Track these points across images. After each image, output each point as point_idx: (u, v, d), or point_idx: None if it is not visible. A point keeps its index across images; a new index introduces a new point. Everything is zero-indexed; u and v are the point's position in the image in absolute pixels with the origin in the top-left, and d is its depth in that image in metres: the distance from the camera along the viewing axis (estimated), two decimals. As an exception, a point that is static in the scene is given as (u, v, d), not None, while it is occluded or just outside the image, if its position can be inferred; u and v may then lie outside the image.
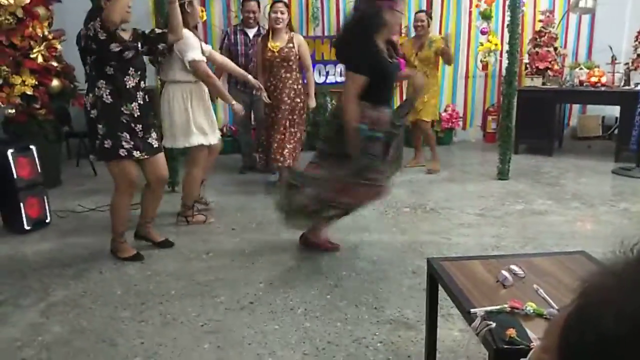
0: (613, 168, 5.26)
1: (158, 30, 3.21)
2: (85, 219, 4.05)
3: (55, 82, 4.77)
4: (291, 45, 4.40)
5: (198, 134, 3.62)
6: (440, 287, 1.78)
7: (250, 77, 4.04)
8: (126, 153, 2.98)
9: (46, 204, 3.89)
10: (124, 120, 2.97)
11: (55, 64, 4.78)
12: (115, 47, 2.88)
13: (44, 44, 4.71)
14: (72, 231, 3.78)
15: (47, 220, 3.89)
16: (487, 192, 4.57)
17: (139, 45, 3.06)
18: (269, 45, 4.35)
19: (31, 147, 3.86)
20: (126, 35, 3.00)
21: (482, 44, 5.10)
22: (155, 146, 3.14)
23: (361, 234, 3.59)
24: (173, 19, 3.12)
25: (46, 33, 4.77)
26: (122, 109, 2.97)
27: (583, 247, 3.18)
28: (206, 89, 3.71)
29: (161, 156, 3.23)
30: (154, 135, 3.15)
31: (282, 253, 3.30)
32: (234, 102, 3.83)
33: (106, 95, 2.94)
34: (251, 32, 5.14)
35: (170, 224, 3.82)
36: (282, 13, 4.32)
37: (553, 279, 1.67)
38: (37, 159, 3.86)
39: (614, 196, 4.31)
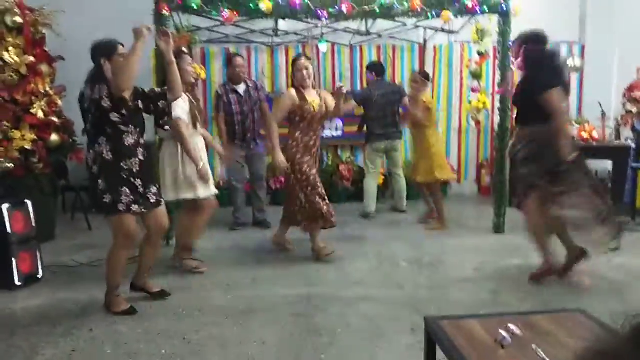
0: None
1: (158, 90, 3.29)
2: (77, 273, 3.99)
3: (54, 137, 4.84)
4: (321, 99, 4.28)
5: (186, 188, 3.71)
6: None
7: (217, 146, 4.43)
8: (125, 208, 3.01)
9: (39, 258, 3.85)
10: (124, 176, 3.03)
11: (55, 119, 4.86)
12: (114, 117, 2.99)
13: (45, 99, 4.81)
14: (64, 286, 3.71)
15: (38, 276, 3.83)
16: (483, 246, 4.55)
17: (139, 103, 3.13)
18: (309, 102, 4.14)
19: (26, 201, 3.85)
20: (127, 94, 3.07)
21: (470, 103, 5.24)
22: (152, 201, 3.17)
23: (356, 289, 3.55)
24: (172, 78, 3.19)
25: (48, 89, 4.88)
26: (122, 164, 3.02)
27: (581, 304, 3.15)
28: (200, 145, 3.80)
29: (161, 208, 3.27)
30: (153, 189, 3.19)
31: (277, 310, 3.24)
32: (201, 164, 3.73)
33: (106, 152, 3.01)
34: (241, 89, 5.22)
35: (162, 276, 3.75)
36: (307, 69, 4.18)
37: (552, 339, 1.64)
38: (32, 214, 3.85)
39: (609, 251, 4.28)
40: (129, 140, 3.06)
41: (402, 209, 5.99)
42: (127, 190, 3.02)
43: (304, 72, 4.14)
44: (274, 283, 3.71)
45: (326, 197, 4.20)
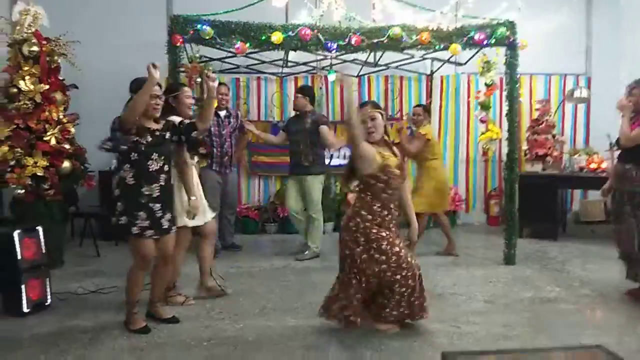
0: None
1: (187, 121, 3.47)
2: (85, 301, 3.97)
3: (66, 164, 4.88)
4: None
5: (181, 215, 3.65)
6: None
7: None
8: (138, 231, 3.16)
9: (48, 285, 3.83)
10: (142, 201, 3.18)
11: (67, 146, 4.91)
12: (139, 145, 3.15)
13: (58, 127, 4.87)
14: (71, 314, 3.68)
15: (47, 303, 3.81)
16: (494, 278, 4.51)
17: (167, 134, 3.30)
18: (386, 158, 3.17)
19: (37, 228, 3.86)
20: (157, 126, 3.27)
21: (483, 133, 5.25)
22: (165, 227, 3.30)
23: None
24: (209, 111, 3.42)
25: (61, 117, 4.95)
26: (143, 190, 3.18)
27: (596, 337, 3.12)
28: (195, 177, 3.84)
29: (171, 235, 3.38)
30: (168, 216, 3.32)
31: (287, 341, 3.20)
32: (193, 197, 3.64)
33: (129, 177, 3.18)
34: (222, 113, 5.36)
35: (170, 305, 3.73)
36: (373, 119, 3.19)
37: (573, 376, 1.61)
38: (42, 240, 3.85)
39: (622, 283, 4.23)
40: (153, 166, 3.20)
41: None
42: (144, 214, 3.17)
43: (369, 122, 3.18)
44: (284, 313, 3.67)
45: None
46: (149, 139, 3.19)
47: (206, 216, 3.90)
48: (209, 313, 3.70)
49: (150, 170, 3.20)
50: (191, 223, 3.74)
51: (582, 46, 7.25)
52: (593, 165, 5.91)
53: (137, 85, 3.22)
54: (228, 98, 5.51)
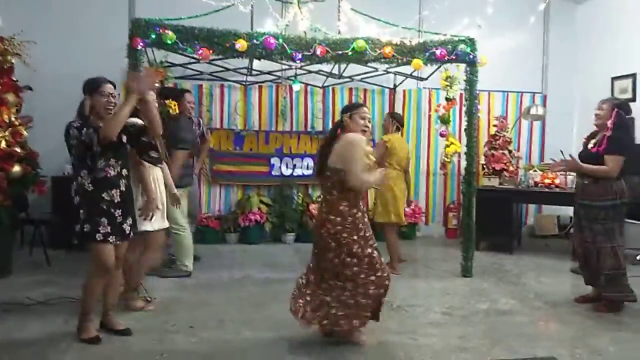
0: (571, 267, 5.38)
1: (139, 124, 3.33)
2: (33, 312, 3.78)
3: (16, 168, 4.67)
4: None
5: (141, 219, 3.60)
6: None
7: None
8: (102, 237, 3.09)
9: (-9, 296, 3.64)
10: (104, 207, 3.11)
11: (18, 149, 4.70)
12: (96, 151, 3.06)
13: (10, 129, 4.67)
14: (18, 327, 3.50)
15: (-10, 314, 3.62)
16: (452, 290, 4.57)
17: (122, 137, 3.17)
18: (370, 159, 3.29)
19: (-17, 234, 3.68)
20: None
21: (447, 146, 5.34)
22: (126, 232, 3.25)
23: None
24: (150, 116, 3.25)
25: (13, 119, 4.74)
26: (103, 195, 3.11)
27: (550, 349, 3.20)
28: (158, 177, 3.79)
29: (126, 242, 3.32)
30: (129, 221, 3.26)
31: (244, 355, 3.13)
32: (153, 195, 3.62)
33: (87, 183, 3.10)
34: None
35: (122, 317, 3.59)
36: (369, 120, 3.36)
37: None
38: (-13, 248, 3.67)
39: (574, 295, 4.37)
40: (111, 172, 3.13)
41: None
42: (106, 220, 3.10)
43: (366, 122, 3.31)
44: (241, 325, 3.60)
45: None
46: (106, 144, 3.07)
47: (163, 222, 3.81)
48: (163, 325, 3.58)
49: (109, 176, 3.12)
50: (150, 227, 3.67)
51: (539, 64, 7.52)
52: (547, 181, 6.10)
53: (90, 87, 3.14)
54: (194, 106, 5.37)
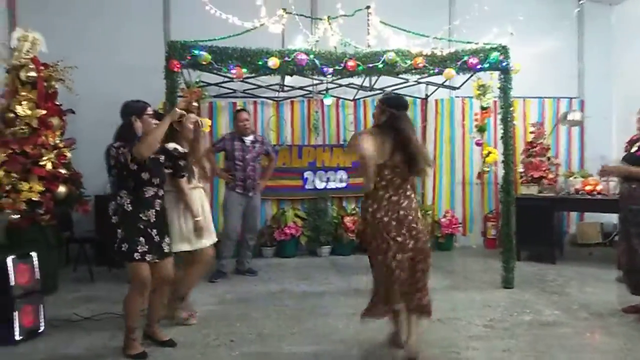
0: (616, 276, 5.18)
1: (181, 150, 3.50)
2: (79, 328, 3.90)
3: (61, 189, 4.86)
4: None
5: (180, 241, 3.71)
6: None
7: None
8: (140, 256, 3.18)
9: (41, 312, 3.78)
10: (141, 226, 3.21)
11: (63, 171, 4.90)
12: (136, 171, 3.18)
13: (55, 152, 4.87)
14: (65, 341, 3.62)
15: (40, 330, 3.75)
16: (493, 302, 4.47)
17: (161, 158, 3.33)
18: None
19: (32, 253, 3.82)
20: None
21: (487, 155, 5.27)
22: (165, 250, 3.35)
23: (366, 346, 3.45)
24: (188, 136, 3.44)
25: (57, 141, 4.95)
26: (140, 215, 3.22)
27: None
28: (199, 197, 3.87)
29: (170, 260, 3.43)
30: (167, 239, 3.38)
31: (284, 368, 3.15)
32: (199, 217, 3.77)
33: (127, 204, 3.21)
34: (248, 140, 5.48)
35: (166, 330, 3.67)
36: None
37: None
38: (36, 266, 3.81)
39: (621, 306, 4.21)
40: (149, 192, 3.24)
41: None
42: (143, 240, 3.19)
43: None
44: (280, 339, 3.62)
45: None
46: (145, 166, 3.20)
47: (210, 238, 3.91)
48: (205, 339, 3.64)
49: (146, 196, 3.23)
50: (201, 244, 3.79)
51: (575, 69, 7.35)
52: (589, 187, 5.92)
53: (135, 109, 3.26)
54: (249, 124, 5.56)
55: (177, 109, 3.35)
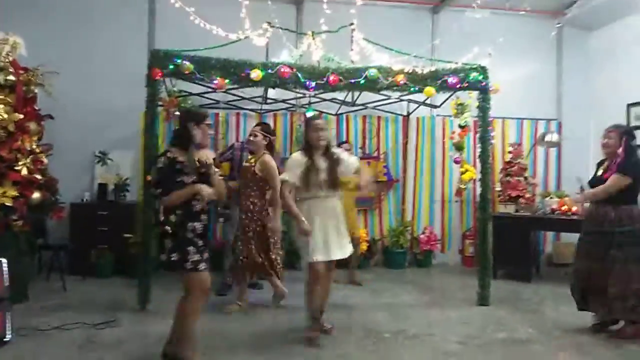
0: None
1: (208, 161, 3.34)
2: (48, 338, 3.80)
3: (36, 195, 4.77)
4: None
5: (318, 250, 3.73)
6: None
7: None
8: (192, 266, 3.16)
9: (8, 320, 3.67)
10: (189, 236, 3.19)
11: (39, 176, 4.82)
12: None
13: (31, 157, 4.79)
14: (32, 352, 3.52)
15: (6, 339, 3.65)
16: (468, 319, 4.49)
17: (203, 170, 3.27)
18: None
19: (1, 260, 3.74)
20: (202, 157, 3.25)
21: (463, 173, 5.33)
22: (208, 260, 3.31)
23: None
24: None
25: (34, 147, 4.87)
26: (188, 226, 3.20)
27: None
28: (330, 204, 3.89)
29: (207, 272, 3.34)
30: (206, 252, 3.31)
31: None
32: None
33: (179, 214, 3.19)
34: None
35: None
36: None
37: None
38: (5, 273, 3.72)
39: (594, 326, 4.26)
40: (197, 206, 3.23)
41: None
42: (193, 249, 3.18)
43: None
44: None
45: None
46: (195, 177, 3.21)
47: (344, 251, 3.89)
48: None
49: (195, 210, 3.22)
50: (323, 257, 3.74)
51: (554, 92, 7.51)
52: (565, 208, 6.02)
53: (197, 117, 3.28)
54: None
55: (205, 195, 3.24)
